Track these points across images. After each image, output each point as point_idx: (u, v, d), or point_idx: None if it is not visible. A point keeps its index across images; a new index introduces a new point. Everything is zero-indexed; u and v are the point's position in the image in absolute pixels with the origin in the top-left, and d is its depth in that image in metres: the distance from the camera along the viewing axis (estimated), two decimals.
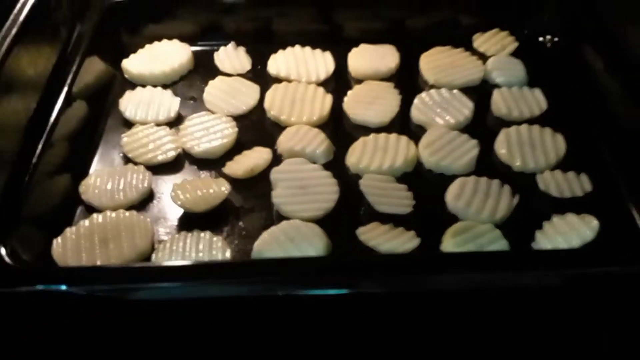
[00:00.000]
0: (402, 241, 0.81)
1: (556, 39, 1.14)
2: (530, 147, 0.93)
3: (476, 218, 0.83)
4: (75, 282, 0.66)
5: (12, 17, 0.86)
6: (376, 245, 0.80)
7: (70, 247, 0.79)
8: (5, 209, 0.77)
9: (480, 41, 1.14)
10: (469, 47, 1.12)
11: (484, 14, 1.17)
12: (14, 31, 0.84)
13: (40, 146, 0.85)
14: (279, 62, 1.09)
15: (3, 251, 0.70)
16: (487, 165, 0.93)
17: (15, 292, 0.66)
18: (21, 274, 0.69)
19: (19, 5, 0.88)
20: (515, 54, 1.11)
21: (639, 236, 0.82)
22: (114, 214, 0.83)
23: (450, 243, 0.80)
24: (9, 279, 0.67)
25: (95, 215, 0.83)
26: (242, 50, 1.12)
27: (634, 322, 0.72)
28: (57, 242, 0.79)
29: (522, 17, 1.16)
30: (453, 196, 0.86)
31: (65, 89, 0.94)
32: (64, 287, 0.65)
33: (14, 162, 0.81)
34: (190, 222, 0.85)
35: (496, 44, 1.13)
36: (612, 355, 0.72)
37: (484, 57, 1.11)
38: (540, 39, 1.15)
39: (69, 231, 0.81)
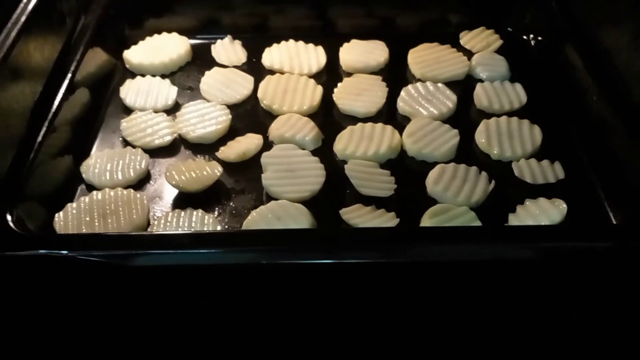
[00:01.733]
0: (382, 221, 0.86)
1: (539, 38, 1.19)
2: (508, 137, 0.98)
3: (453, 201, 0.88)
4: (75, 248, 0.71)
5: (21, 5, 0.91)
6: (358, 224, 0.85)
7: (71, 220, 0.84)
8: (12, 183, 0.82)
9: (467, 38, 1.19)
10: (456, 44, 1.18)
11: (471, 13, 1.22)
12: (22, 19, 0.90)
13: (44, 128, 0.90)
14: (273, 55, 1.14)
15: (9, 218, 0.76)
16: (468, 153, 0.98)
17: (19, 256, 0.71)
18: (26, 239, 0.74)
19: None
20: (499, 51, 1.16)
21: (606, 219, 0.87)
22: (112, 192, 0.88)
23: (427, 223, 0.85)
24: (14, 243, 0.73)
25: (95, 192, 0.88)
26: (238, 43, 1.17)
27: (599, 297, 0.77)
28: (59, 216, 0.85)
29: (507, 17, 1.21)
30: (432, 180, 0.91)
31: (69, 75, 0.99)
32: (64, 252, 0.70)
33: (21, 142, 0.86)
34: (184, 202, 0.90)
35: (482, 41, 1.18)
36: (580, 327, 0.77)
37: (470, 54, 1.16)
38: (524, 37, 1.20)
39: (70, 206, 0.86)
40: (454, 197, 0.89)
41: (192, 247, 0.72)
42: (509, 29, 1.20)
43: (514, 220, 0.86)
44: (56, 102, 0.95)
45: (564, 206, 0.86)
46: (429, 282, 0.73)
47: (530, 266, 0.74)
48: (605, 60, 1.02)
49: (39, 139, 0.89)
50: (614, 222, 0.86)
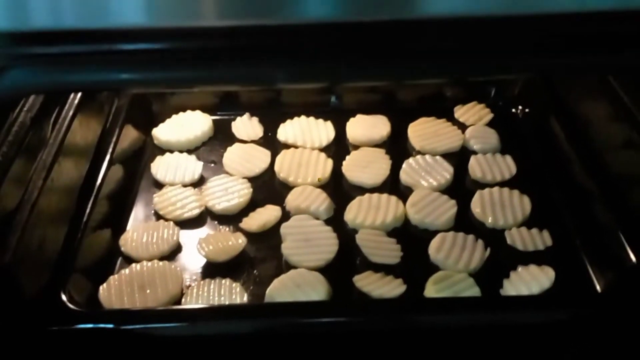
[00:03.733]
0: (391, 287, 0.96)
1: (526, 110, 1.32)
2: (500, 207, 1.09)
3: (453, 268, 0.99)
4: (121, 322, 0.81)
5: (69, 101, 1.04)
6: (369, 291, 0.96)
7: (114, 292, 0.94)
8: (64, 261, 0.93)
9: (461, 112, 1.31)
10: (450, 117, 1.30)
11: (464, 88, 1.34)
12: (70, 113, 1.02)
13: (89, 205, 1.01)
14: (287, 130, 1.26)
15: (64, 297, 0.86)
16: (465, 222, 1.08)
17: (74, 330, 0.81)
18: (79, 315, 0.84)
19: None
20: (490, 124, 1.29)
21: (590, 284, 0.98)
22: (149, 264, 0.98)
23: (431, 290, 0.95)
24: (70, 319, 0.83)
25: (133, 265, 0.99)
26: (255, 119, 1.29)
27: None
28: (103, 288, 0.95)
29: (497, 92, 1.34)
30: (434, 249, 1.02)
31: (108, 156, 1.11)
32: (111, 326, 0.80)
33: (71, 220, 0.97)
34: (212, 269, 1.00)
35: (474, 115, 1.31)
36: None
37: (463, 127, 1.28)
38: (513, 110, 1.33)
39: (112, 279, 0.96)
40: (454, 264, 0.99)
41: (225, 318, 0.83)
42: (499, 102, 1.33)
43: (508, 285, 0.96)
44: (98, 180, 1.06)
45: (552, 273, 0.96)
46: (437, 347, 0.83)
47: (523, 331, 0.84)
48: (584, 132, 1.14)
49: (85, 216, 0.99)
50: (597, 287, 0.96)
